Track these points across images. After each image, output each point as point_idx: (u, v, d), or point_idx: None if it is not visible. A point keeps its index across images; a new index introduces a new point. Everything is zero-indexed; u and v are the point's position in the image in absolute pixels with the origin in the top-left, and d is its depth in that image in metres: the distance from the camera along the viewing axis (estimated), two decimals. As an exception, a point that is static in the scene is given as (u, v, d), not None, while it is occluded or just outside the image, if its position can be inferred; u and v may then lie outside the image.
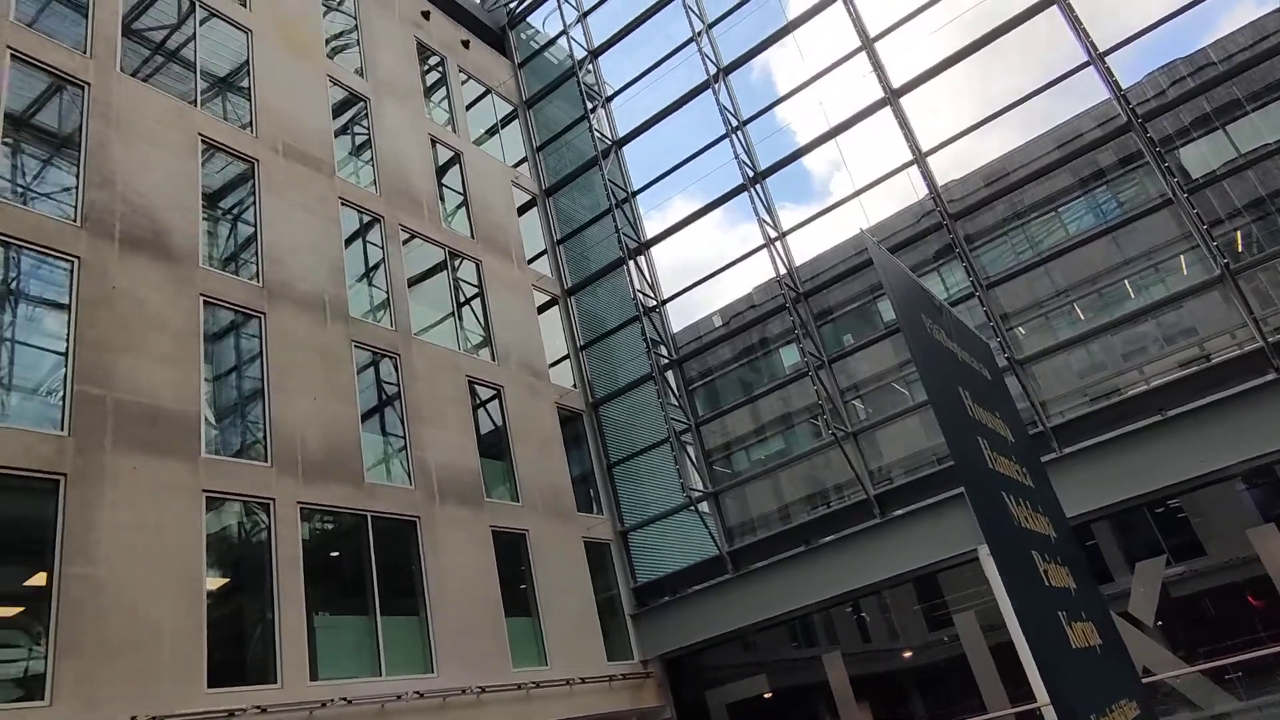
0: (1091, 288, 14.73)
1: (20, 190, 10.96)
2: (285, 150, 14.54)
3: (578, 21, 21.24)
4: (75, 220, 11.08)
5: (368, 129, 16.90)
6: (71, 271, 10.76)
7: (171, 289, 11.69)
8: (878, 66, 16.14)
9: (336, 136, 16.07)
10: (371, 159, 16.64)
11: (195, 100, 13.53)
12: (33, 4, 12.11)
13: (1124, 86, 13.79)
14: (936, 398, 5.44)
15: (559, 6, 21.40)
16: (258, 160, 13.94)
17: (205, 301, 12.09)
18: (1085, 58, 14.01)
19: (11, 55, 11.29)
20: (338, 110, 16.51)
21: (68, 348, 10.32)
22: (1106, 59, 13.81)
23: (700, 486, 17.13)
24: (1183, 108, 13.75)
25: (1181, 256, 13.87)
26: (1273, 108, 13.09)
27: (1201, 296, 13.17)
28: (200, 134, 13.22)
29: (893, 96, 15.95)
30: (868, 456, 15.48)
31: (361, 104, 17.01)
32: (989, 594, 13.04)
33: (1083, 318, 14.75)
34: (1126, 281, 14.64)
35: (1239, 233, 13.32)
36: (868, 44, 16.33)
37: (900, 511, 14.51)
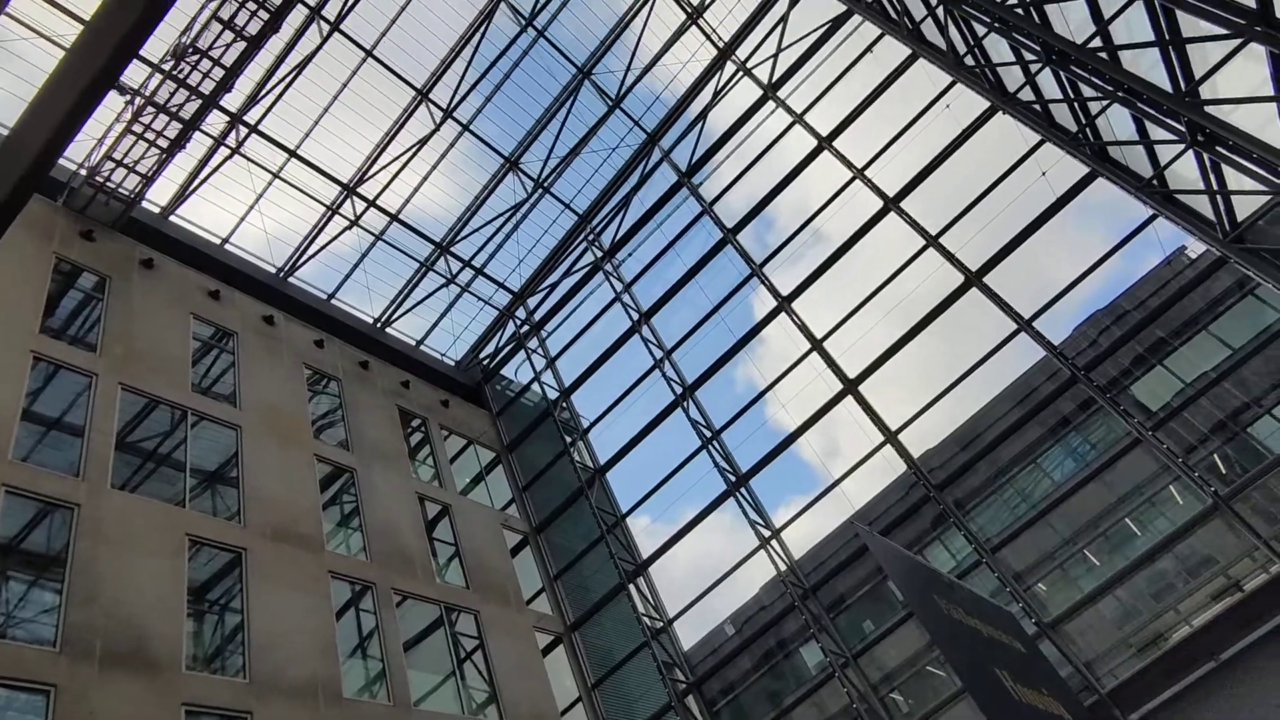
0: (1095, 531, 14.52)
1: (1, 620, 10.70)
2: (274, 534, 14.62)
3: (547, 368, 22.82)
4: (55, 645, 10.70)
5: (356, 497, 17.22)
6: (48, 700, 10.15)
7: (152, 704, 11.00)
8: (831, 363, 17.26)
9: (325, 509, 16.29)
10: (361, 526, 16.73)
11: (184, 501, 13.84)
12: (31, 437, 12.78)
13: (1059, 342, 14.79)
14: (973, 686, 5.06)
15: (528, 358, 23.12)
16: (246, 549, 13.94)
17: (188, 711, 11.33)
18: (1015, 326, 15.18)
19: (6, 491, 11.66)
20: (325, 484, 16.92)
21: (35, 790, 9.41)
22: (1035, 322, 14.96)
23: (749, 830, 15.12)
24: (1120, 351, 14.67)
25: (1171, 487, 13.93)
26: (1198, 340, 14.03)
27: (1209, 524, 13.00)
28: (187, 534, 13.32)
29: (850, 386, 16.86)
30: (924, 760, 13.99)
31: (349, 474, 17.51)
32: None
33: (1097, 563, 14.36)
34: (1128, 520, 14.50)
35: (1217, 457, 13.55)
36: (816, 345, 17.60)
37: (977, 822, 12.78)
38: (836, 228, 18.31)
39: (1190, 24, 8.85)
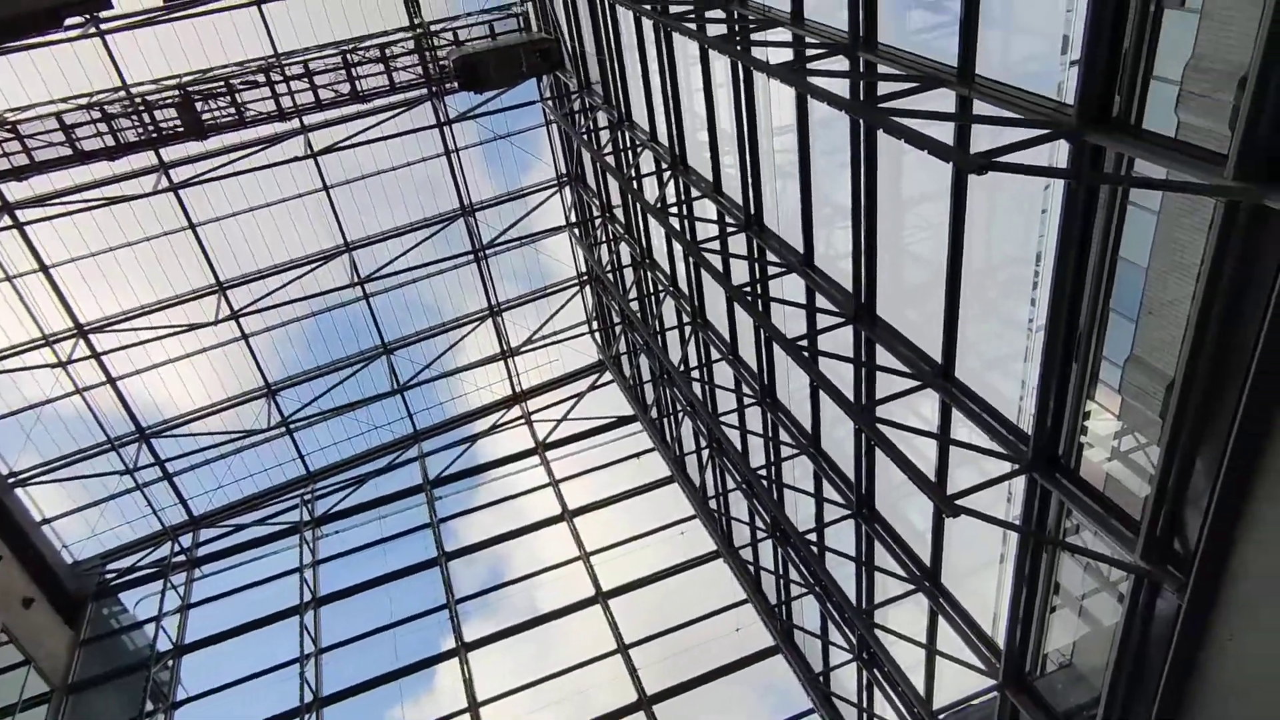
0: None
1: None
2: None
3: (177, 612, 19.37)
4: None
5: None
6: None
7: None
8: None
9: None
10: None
11: None
12: None
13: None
14: None
15: (164, 591, 19.66)
16: None
17: None
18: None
19: None
20: None
21: None
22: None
23: None
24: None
25: None
26: None
27: None
28: None
29: (489, 767, 15.39)
30: None
31: None
32: None
33: None
34: None
35: None
36: (472, 706, 16.30)
37: None
38: (546, 595, 18.14)
39: (881, 553, 10.41)
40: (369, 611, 18.83)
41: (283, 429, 20.92)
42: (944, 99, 6.56)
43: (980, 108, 6.22)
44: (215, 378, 20.27)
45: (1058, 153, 5.78)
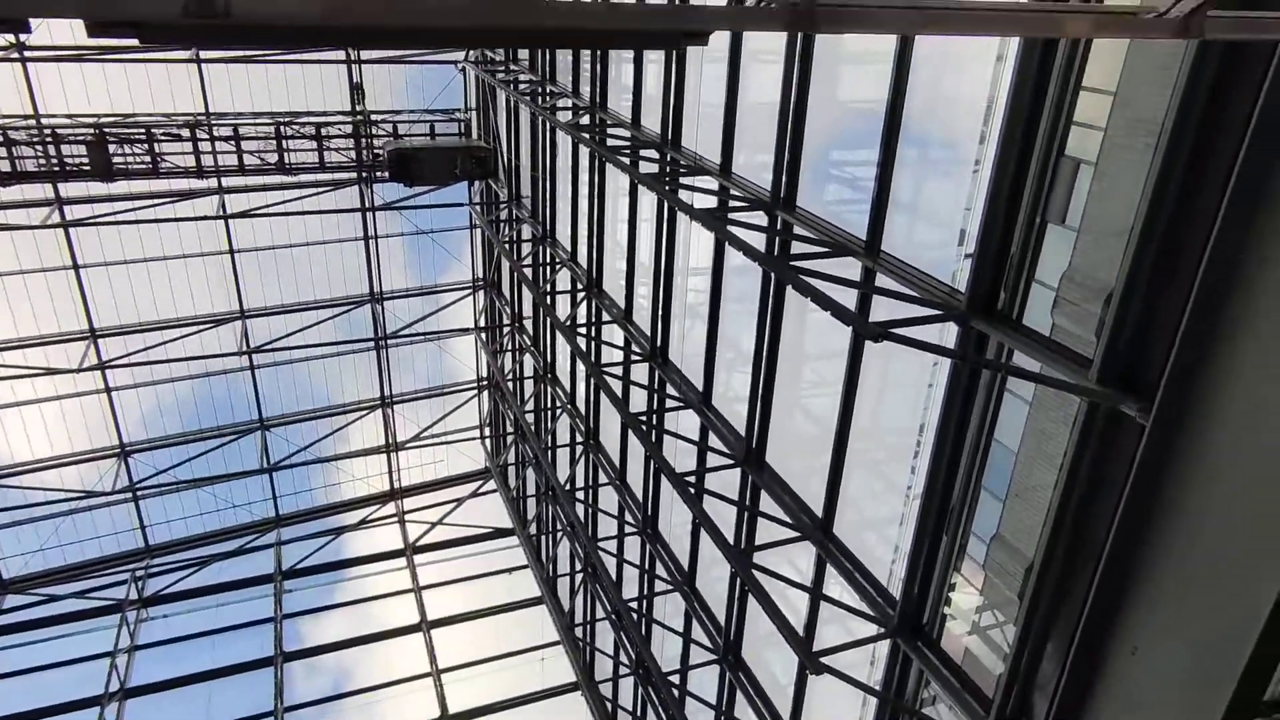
0: None
1: None
2: None
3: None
4: None
5: None
6: None
7: None
8: None
9: None
10: None
11: None
12: None
13: None
14: None
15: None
16: None
17: None
18: None
19: None
20: None
21: None
22: None
23: None
24: None
25: None
26: None
27: None
28: None
29: None
30: None
31: None
32: None
33: None
34: None
35: None
36: (284, 833, 14.65)
37: None
38: (387, 712, 16.83)
39: (742, 703, 10.18)
40: (184, 710, 16.99)
41: (128, 495, 19.29)
42: (850, 267, 6.99)
43: (882, 280, 6.65)
44: (64, 430, 18.70)
45: (947, 333, 6.18)
